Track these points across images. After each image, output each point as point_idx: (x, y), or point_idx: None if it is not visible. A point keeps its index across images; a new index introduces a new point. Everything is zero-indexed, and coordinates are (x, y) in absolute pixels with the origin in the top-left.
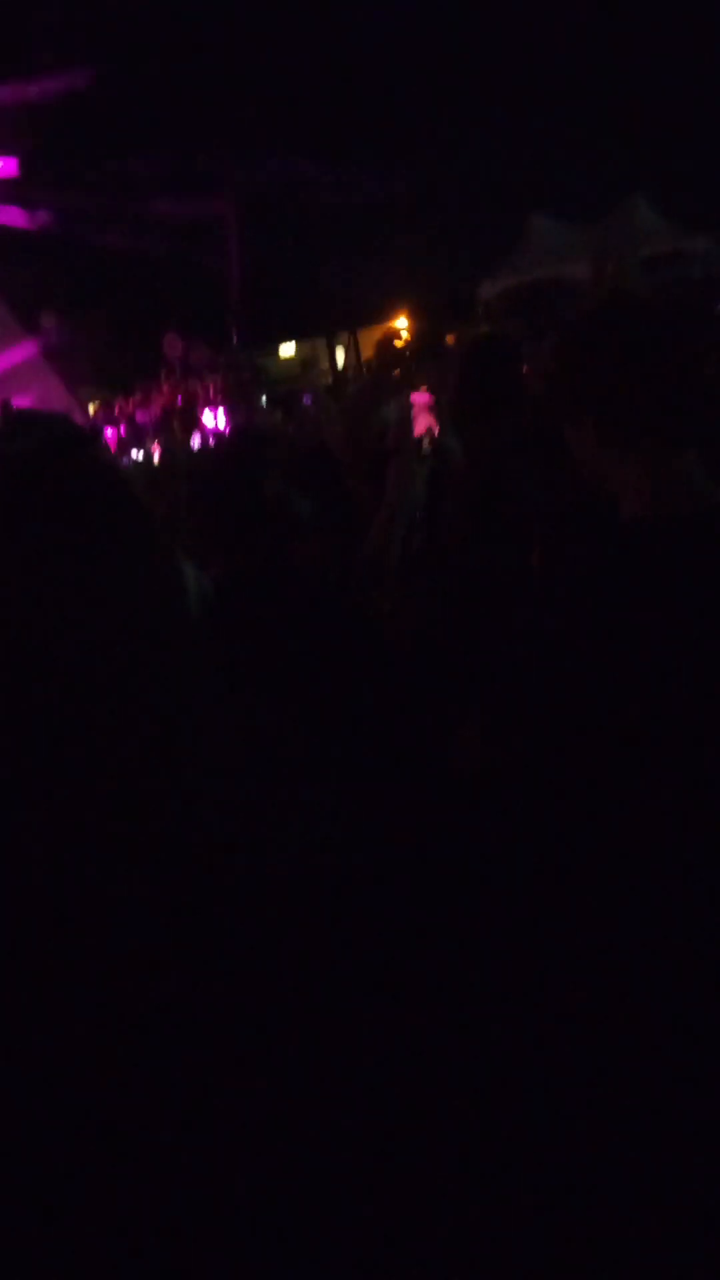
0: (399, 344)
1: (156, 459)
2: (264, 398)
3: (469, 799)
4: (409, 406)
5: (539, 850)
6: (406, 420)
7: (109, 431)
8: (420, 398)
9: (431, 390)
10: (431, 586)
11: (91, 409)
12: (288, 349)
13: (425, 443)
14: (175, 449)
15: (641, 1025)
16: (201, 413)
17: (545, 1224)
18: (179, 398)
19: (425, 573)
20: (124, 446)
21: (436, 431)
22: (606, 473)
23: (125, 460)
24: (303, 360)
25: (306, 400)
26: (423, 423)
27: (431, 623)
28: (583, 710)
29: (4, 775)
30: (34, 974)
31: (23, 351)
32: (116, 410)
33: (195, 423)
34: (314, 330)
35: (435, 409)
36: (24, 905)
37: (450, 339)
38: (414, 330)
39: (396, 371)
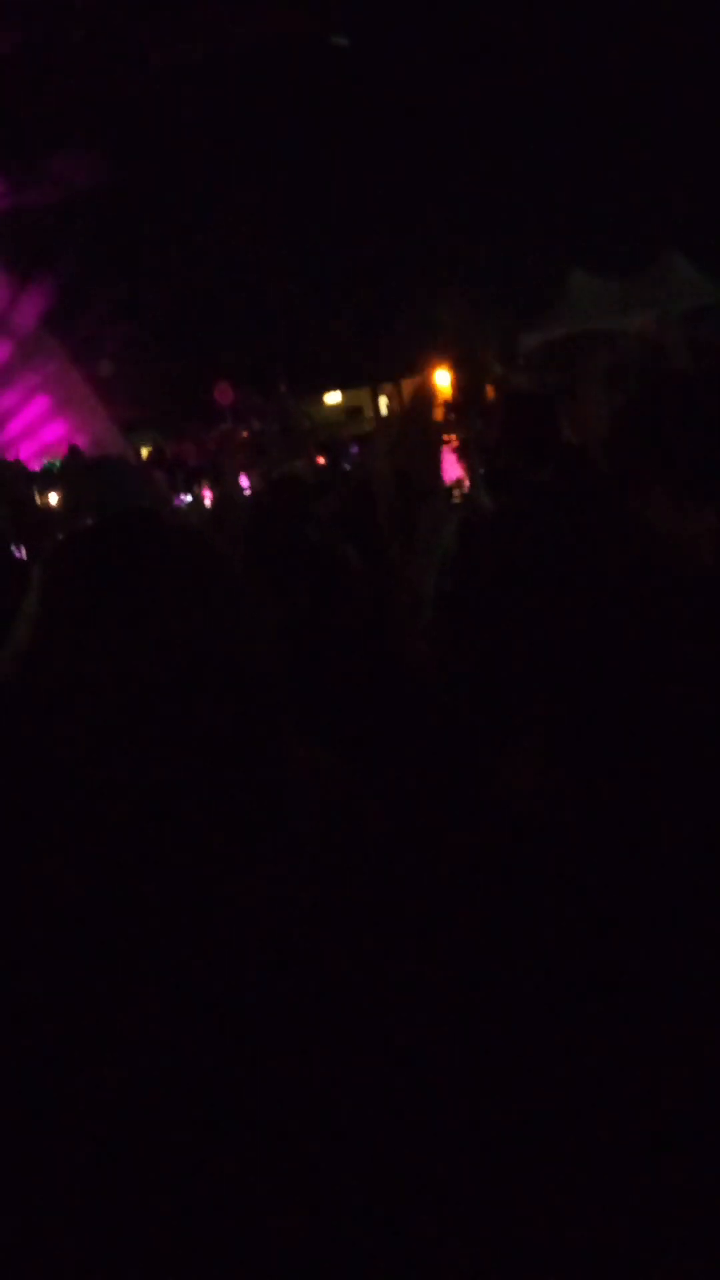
0: (437, 395)
1: (208, 502)
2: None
3: (520, 828)
4: (439, 453)
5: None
6: (436, 467)
7: (160, 475)
8: (449, 445)
9: (469, 441)
10: (463, 634)
11: (145, 453)
12: (333, 397)
13: (455, 492)
14: (229, 493)
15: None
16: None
17: (547, 1223)
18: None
19: (456, 620)
20: (174, 490)
21: (467, 482)
22: (679, 526)
23: (177, 503)
24: (347, 409)
25: (354, 450)
26: (454, 470)
27: (462, 668)
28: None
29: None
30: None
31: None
32: (168, 454)
33: (245, 468)
34: (360, 380)
35: (464, 457)
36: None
37: (490, 391)
38: (456, 382)
39: (438, 415)
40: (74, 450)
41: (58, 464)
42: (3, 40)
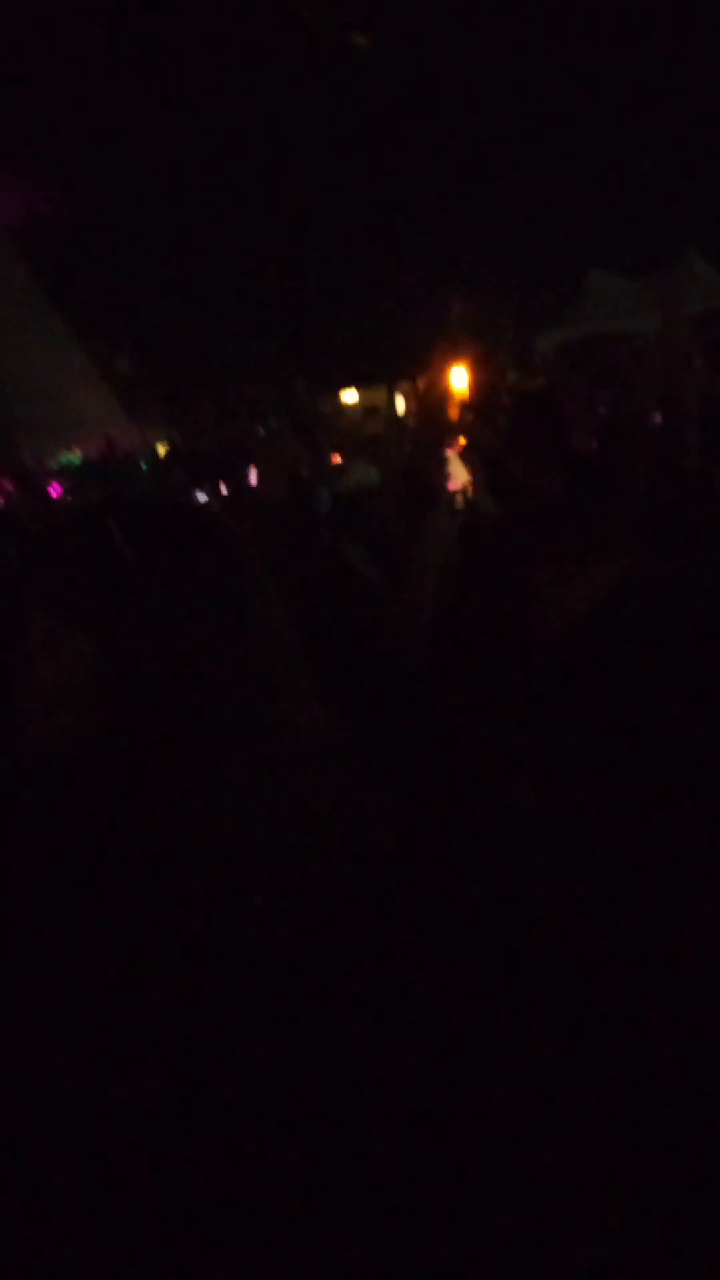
0: (452, 395)
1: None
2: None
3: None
4: (444, 459)
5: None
6: (441, 473)
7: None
8: (453, 450)
9: (475, 444)
10: (464, 640)
11: (161, 450)
12: (350, 395)
13: (459, 497)
14: (243, 489)
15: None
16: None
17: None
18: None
19: (458, 627)
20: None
21: (471, 489)
22: None
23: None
24: (364, 407)
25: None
26: (458, 475)
27: (464, 676)
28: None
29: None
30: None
31: None
32: (184, 450)
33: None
34: (377, 378)
35: (469, 461)
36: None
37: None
38: (472, 382)
39: (452, 416)
40: (109, 443)
41: (77, 458)
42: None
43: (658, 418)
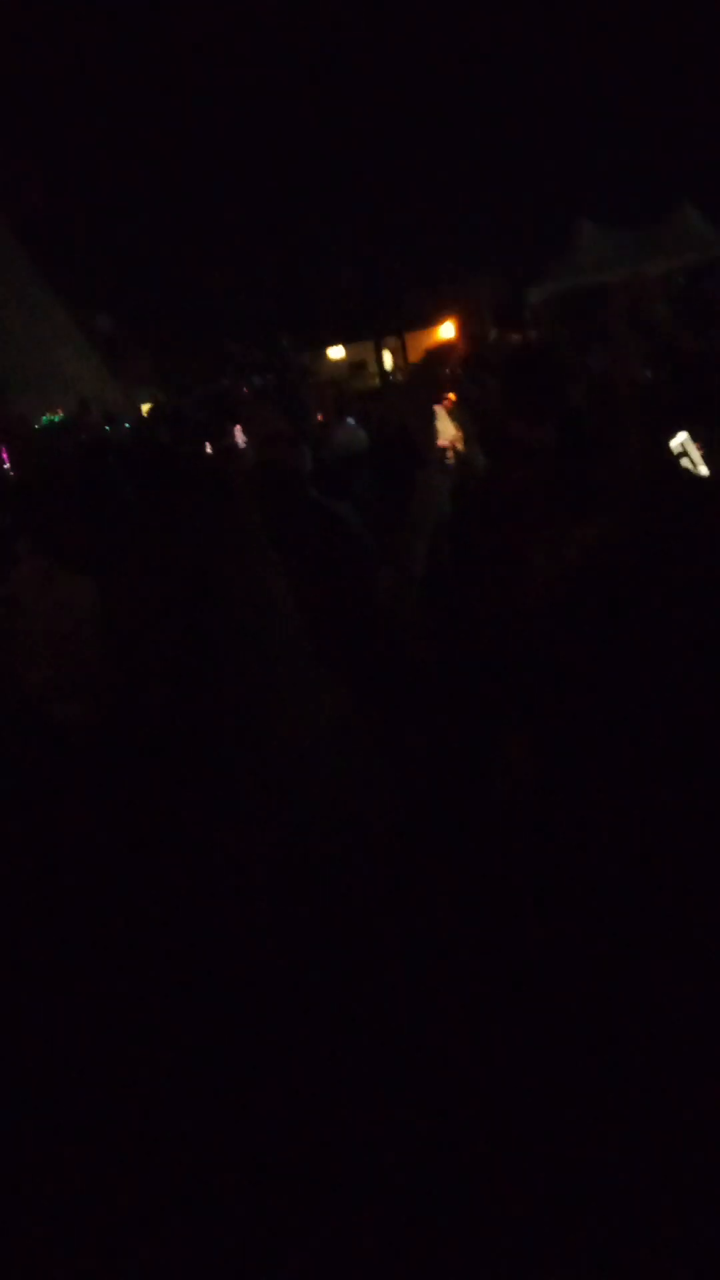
0: (451, 353)
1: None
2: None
3: (513, 817)
4: (433, 417)
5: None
6: (431, 431)
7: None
8: (442, 405)
9: (465, 399)
10: (455, 601)
11: (145, 409)
12: (336, 351)
13: (449, 453)
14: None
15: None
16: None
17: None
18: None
19: (450, 586)
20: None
21: (461, 444)
22: None
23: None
24: (351, 363)
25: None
26: (445, 432)
27: (455, 638)
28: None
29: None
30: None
31: None
32: (168, 410)
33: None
34: (363, 334)
35: (457, 416)
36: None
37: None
38: (461, 335)
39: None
40: (83, 403)
41: (58, 418)
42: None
43: (648, 373)
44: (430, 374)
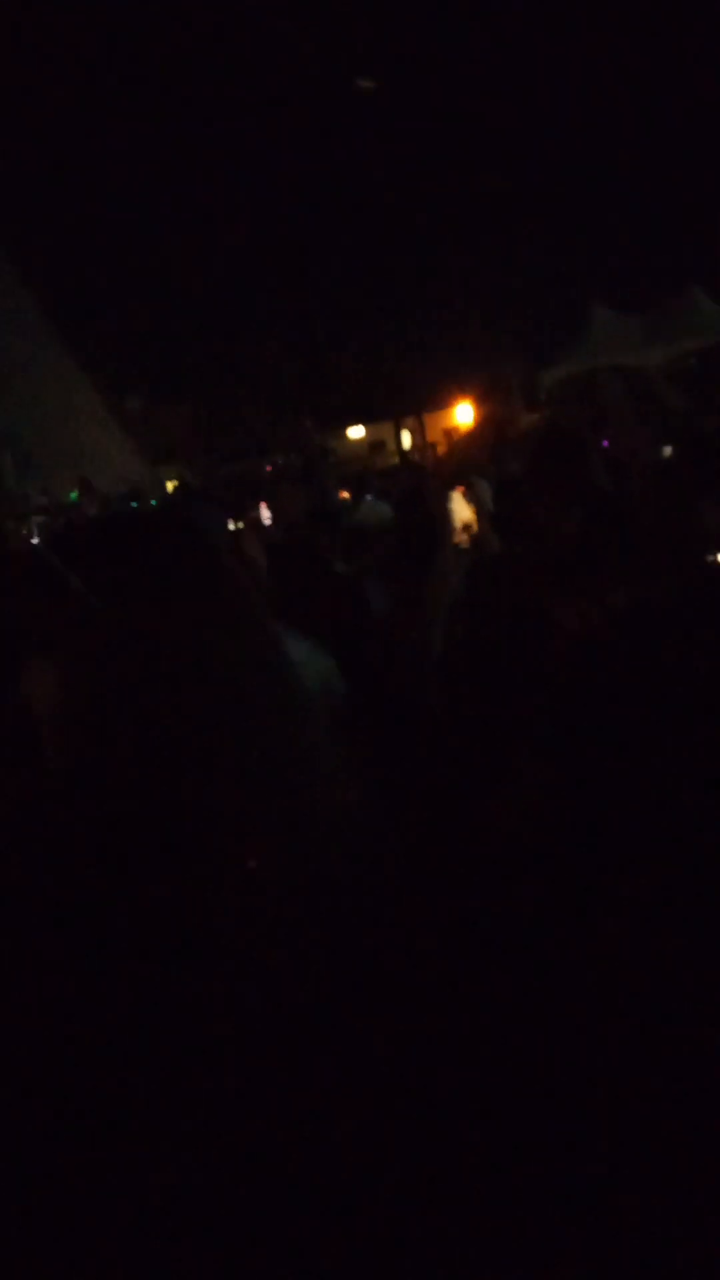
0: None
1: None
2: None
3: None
4: (447, 499)
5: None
6: (445, 513)
7: None
8: (457, 490)
9: (478, 482)
10: (472, 676)
11: (170, 486)
12: (356, 431)
13: (464, 535)
14: (253, 523)
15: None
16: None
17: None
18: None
19: (466, 663)
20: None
21: (475, 526)
22: None
23: None
24: (370, 443)
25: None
26: (460, 514)
27: (471, 708)
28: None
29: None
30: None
31: None
32: (193, 486)
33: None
34: (381, 414)
35: (471, 499)
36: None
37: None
38: (479, 417)
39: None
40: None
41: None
42: None
43: (667, 451)
44: (453, 462)
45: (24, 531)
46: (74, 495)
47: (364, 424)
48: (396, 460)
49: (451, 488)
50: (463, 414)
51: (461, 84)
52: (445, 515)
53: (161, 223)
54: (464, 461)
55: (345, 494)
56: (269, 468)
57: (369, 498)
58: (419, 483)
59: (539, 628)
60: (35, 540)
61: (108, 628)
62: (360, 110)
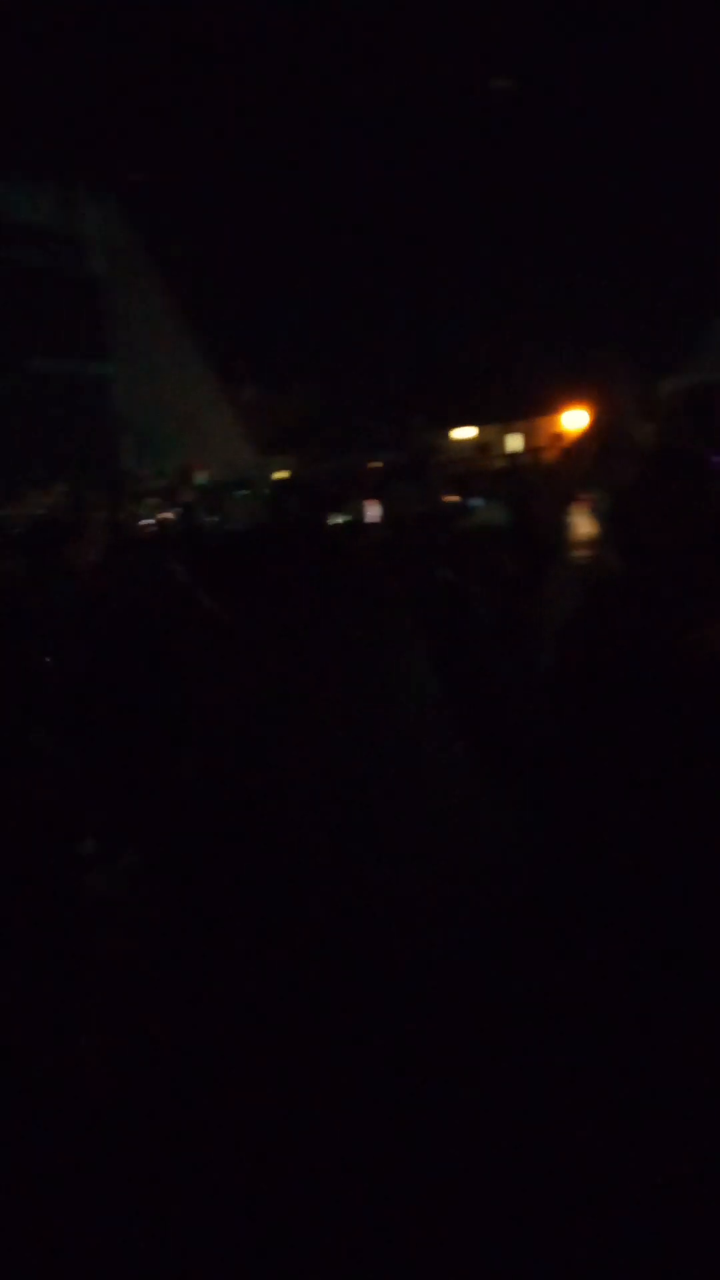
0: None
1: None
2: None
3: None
4: (564, 511)
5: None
6: (561, 525)
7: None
8: (580, 503)
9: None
10: (585, 693)
11: (276, 476)
12: (463, 432)
13: (583, 551)
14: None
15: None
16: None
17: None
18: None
19: (578, 681)
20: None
21: (596, 543)
22: None
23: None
24: (477, 445)
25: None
26: (581, 528)
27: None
28: None
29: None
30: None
31: None
32: (304, 479)
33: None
34: (491, 416)
35: (596, 515)
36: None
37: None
38: (594, 425)
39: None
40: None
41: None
42: None
43: None
44: (571, 469)
45: (138, 512)
46: (201, 480)
47: (472, 424)
48: (503, 463)
49: (570, 499)
50: (573, 420)
51: (599, 85)
52: (561, 527)
53: (287, 216)
54: (585, 472)
55: (454, 496)
56: (379, 464)
57: (479, 501)
58: (531, 490)
59: (667, 659)
60: (148, 522)
61: (245, 646)
62: (492, 109)
